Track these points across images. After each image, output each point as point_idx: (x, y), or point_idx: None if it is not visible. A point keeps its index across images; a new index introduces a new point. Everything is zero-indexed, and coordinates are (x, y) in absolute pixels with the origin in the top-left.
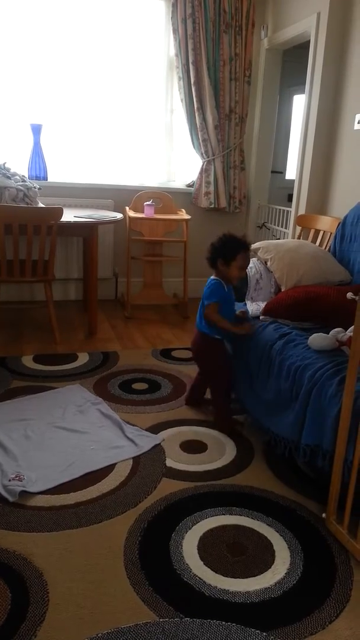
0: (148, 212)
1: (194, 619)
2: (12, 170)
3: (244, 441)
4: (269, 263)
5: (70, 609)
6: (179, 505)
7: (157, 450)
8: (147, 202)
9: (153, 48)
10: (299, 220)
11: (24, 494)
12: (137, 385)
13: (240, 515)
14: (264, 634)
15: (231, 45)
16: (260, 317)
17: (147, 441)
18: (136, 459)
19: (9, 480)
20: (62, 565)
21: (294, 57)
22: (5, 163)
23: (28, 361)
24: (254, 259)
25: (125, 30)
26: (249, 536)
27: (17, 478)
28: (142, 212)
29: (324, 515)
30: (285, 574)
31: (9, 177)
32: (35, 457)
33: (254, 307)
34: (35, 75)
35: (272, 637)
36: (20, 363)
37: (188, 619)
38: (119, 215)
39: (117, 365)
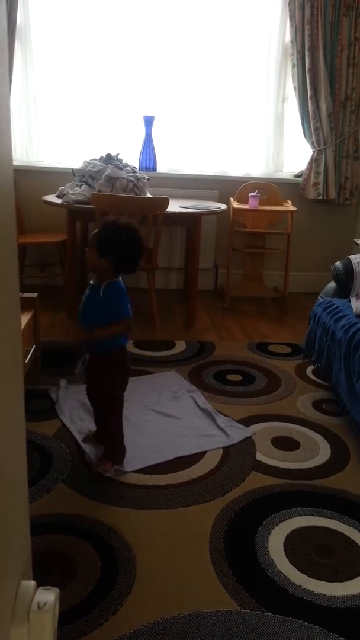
0: (252, 204)
1: (276, 615)
2: (124, 162)
3: (340, 443)
4: None
5: (155, 586)
6: (268, 500)
7: (248, 443)
8: (252, 193)
9: (267, 35)
10: None
11: (118, 470)
12: (231, 377)
13: (331, 518)
14: None
15: (351, 29)
16: None
17: (238, 432)
18: (226, 449)
19: None
20: (150, 542)
21: None
22: (118, 154)
23: (129, 345)
24: None
25: (239, 18)
26: (339, 540)
27: None
28: (247, 203)
29: None
30: None
31: (121, 168)
32: (131, 436)
33: (358, 304)
34: (148, 67)
35: None
36: None
37: (269, 613)
38: (223, 206)
39: (213, 356)
